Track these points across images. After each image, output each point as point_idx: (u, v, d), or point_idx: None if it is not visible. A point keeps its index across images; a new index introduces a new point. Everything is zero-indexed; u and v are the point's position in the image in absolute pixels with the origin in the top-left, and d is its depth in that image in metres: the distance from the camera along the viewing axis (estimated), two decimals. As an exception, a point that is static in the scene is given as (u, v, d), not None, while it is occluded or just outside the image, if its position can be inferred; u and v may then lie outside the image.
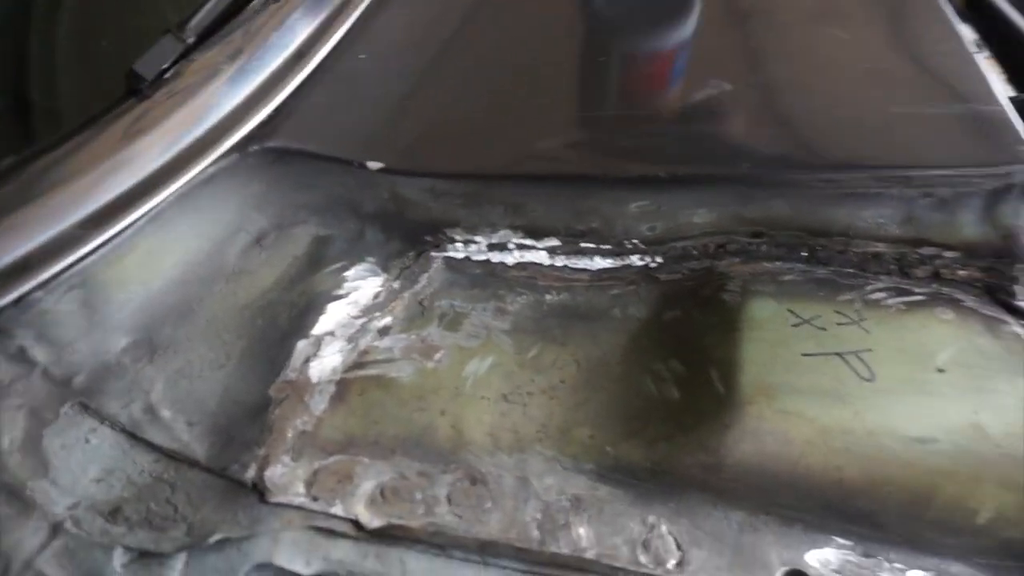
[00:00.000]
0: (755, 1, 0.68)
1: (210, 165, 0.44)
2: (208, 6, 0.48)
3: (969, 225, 0.49)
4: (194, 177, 0.44)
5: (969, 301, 0.50)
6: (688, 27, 0.63)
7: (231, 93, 0.48)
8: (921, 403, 0.45)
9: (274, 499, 0.38)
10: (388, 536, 0.38)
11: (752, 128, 0.52)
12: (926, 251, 0.50)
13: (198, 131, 0.45)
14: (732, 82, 0.55)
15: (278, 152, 0.48)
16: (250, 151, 0.47)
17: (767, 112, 0.53)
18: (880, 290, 0.50)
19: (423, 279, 0.51)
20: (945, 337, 0.47)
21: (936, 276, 0.50)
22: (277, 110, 0.49)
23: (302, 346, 0.45)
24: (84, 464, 0.38)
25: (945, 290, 0.50)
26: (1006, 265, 0.49)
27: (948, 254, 0.50)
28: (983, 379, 0.45)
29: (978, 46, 0.92)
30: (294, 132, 0.49)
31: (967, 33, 0.96)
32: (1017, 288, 0.50)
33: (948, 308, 0.49)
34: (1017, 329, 0.49)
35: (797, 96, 0.55)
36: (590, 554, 0.40)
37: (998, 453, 0.43)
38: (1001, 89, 0.84)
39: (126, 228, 0.40)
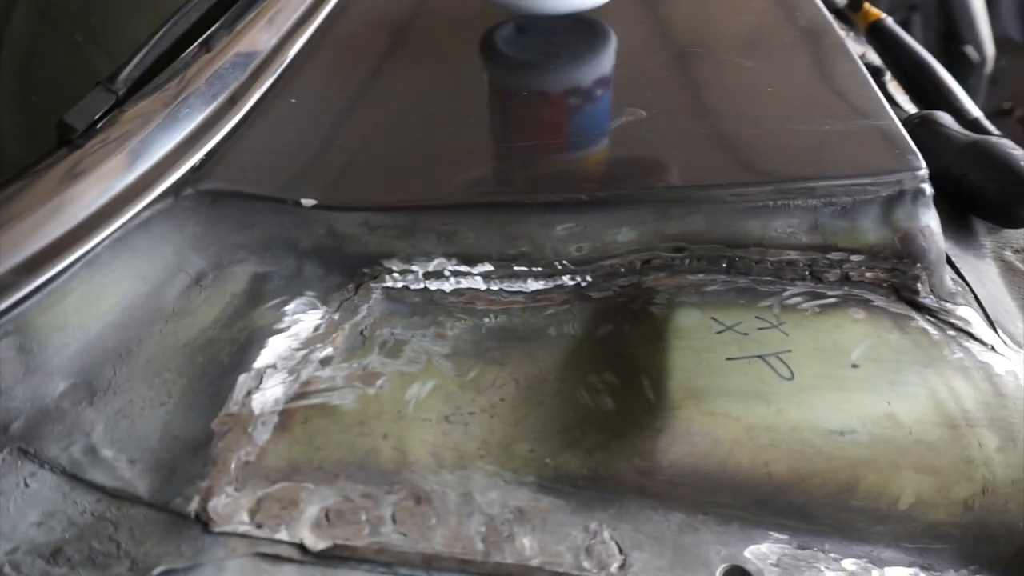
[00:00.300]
0: (668, 38, 0.73)
1: (144, 209, 0.46)
2: (138, 58, 0.50)
3: (870, 230, 0.53)
4: (129, 221, 0.45)
5: (878, 301, 0.53)
6: (600, 65, 0.67)
7: (163, 139, 0.49)
8: (838, 397, 0.47)
9: (218, 528, 0.38)
10: (334, 557, 0.39)
11: (666, 151, 0.55)
12: (835, 256, 0.53)
13: (131, 176, 0.46)
14: (647, 110, 0.58)
15: (213, 194, 0.49)
16: (185, 194, 0.48)
17: (679, 136, 0.57)
18: (796, 295, 0.53)
19: (363, 310, 0.52)
20: (858, 335, 0.51)
21: (846, 279, 0.54)
22: (210, 154, 0.51)
23: (243, 380, 0.45)
24: (23, 509, 0.38)
25: (855, 292, 0.54)
26: (907, 265, 0.53)
27: (855, 258, 0.53)
28: (894, 372, 0.49)
29: (880, 72, 0.99)
30: (228, 174, 0.51)
31: (872, 57, 1.03)
32: (919, 286, 0.53)
33: (859, 308, 0.52)
34: (922, 324, 0.52)
35: (706, 120, 0.59)
36: (534, 562, 0.41)
37: (912, 440, 0.46)
38: (906, 107, 0.91)
39: (61, 273, 0.41)
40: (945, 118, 0.73)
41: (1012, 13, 2.33)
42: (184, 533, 0.38)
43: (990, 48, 2.13)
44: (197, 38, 0.56)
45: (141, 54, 0.49)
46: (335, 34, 0.70)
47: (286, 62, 0.62)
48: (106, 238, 0.44)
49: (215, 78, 0.54)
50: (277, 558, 0.38)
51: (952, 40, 2.10)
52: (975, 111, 0.80)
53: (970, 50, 2.09)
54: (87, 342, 0.44)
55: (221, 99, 0.54)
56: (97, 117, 0.46)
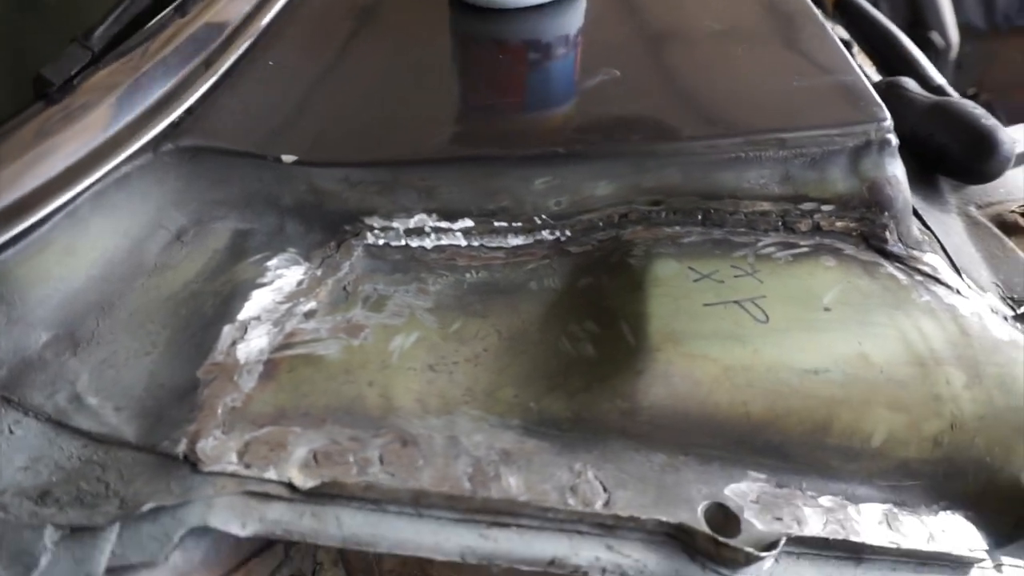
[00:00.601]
0: (642, 5, 0.74)
1: (123, 163, 0.46)
2: (112, 17, 0.50)
3: (839, 180, 0.55)
4: (107, 175, 0.45)
5: (848, 249, 0.55)
6: (574, 25, 0.69)
7: (140, 96, 0.49)
8: (812, 339, 0.49)
9: (206, 468, 0.38)
10: (323, 495, 0.39)
11: (641, 107, 0.57)
12: (806, 206, 0.55)
13: (109, 131, 0.46)
14: (621, 70, 0.59)
15: (192, 150, 0.49)
16: (163, 150, 0.48)
17: (654, 93, 0.58)
18: (770, 245, 0.55)
19: (345, 266, 0.53)
20: (829, 281, 0.52)
21: (817, 229, 0.56)
22: (188, 111, 0.51)
23: (228, 330, 0.46)
24: (9, 454, 0.38)
25: (826, 241, 0.55)
26: (875, 214, 0.55)
27: (825, 207, 0.55)
28: (864, 314, 0.50)
29: (849, 44, 1.02)
30: (207, 131, 0.51)
31: (840, 32, 1.06)
32: (887, 235, 0.55)
33: (830, 256, 0.54)
34: (891, 270, 0.54)
35: (680, 79, 0.60)
36: (521, 499, 0.42)
37: (883, 378, 0.48)
38: (873, 77, 0.93)
39: (40, 223, 0.41)
40: (910, 83, 0.76)
41: (975, 0, 2.39)
42: (173, 473, 0.38)
43: (955, 34, 2.18)
44: (170, 2, 0.55)
45: (116, 13, 0.49)
46: (309, 1, 0.70)
47: (261, 27, 0.62)
48: (85, 190, 0.44)
49: (191, 40, 0.54)
50: (266, 496, 0.39)
51: (918, 27, 2.14)
52: (938, 78, 0.83)
53: (935, 36, 2.14)
54: (69, 294, 0.44)
55: (197, 60, 0.54)
56: (74, 73, 0.46)
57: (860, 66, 0.94)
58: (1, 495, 0.37)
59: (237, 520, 0.37)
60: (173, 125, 0.50)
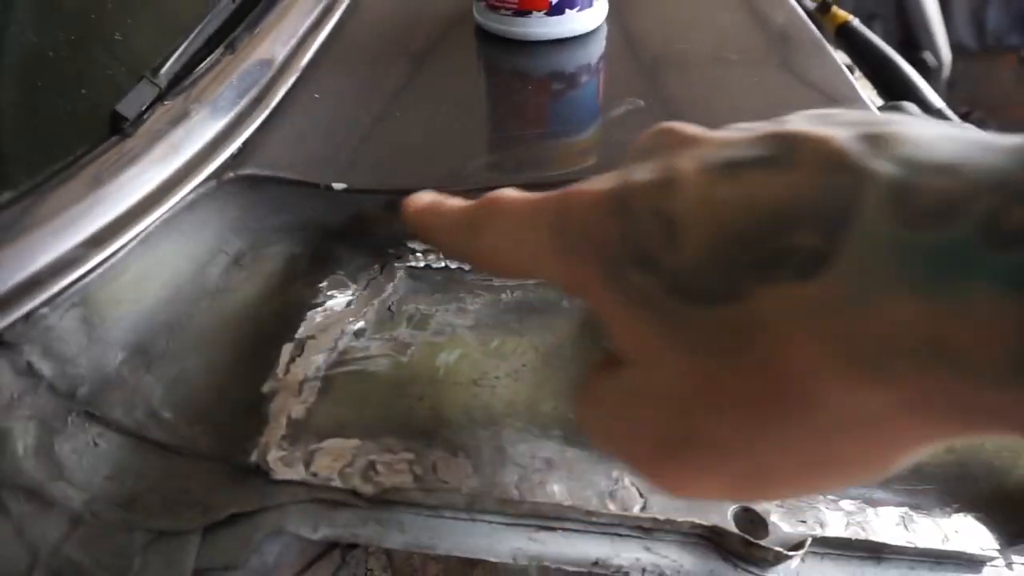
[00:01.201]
0: (656, 40, 0.78)
1: (190, 192, 0.49)
2: (176, 55, 0.53)
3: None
4: (177, 203, 0.48)
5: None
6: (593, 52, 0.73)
7: (203, 130, 0.52)
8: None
9: (278, 477, 0.41)
10: (385, 502, 0.42)
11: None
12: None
13: (177, 163, 0.50)
14: (643, 99, 0.63)
15: (251, 179, 0.53)
16: (225, 179, 0.52)
17: (675, 120, 0.62)
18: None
19: (389, 287, 0.56)
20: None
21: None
22: (245, 143, 0.55)
23: (287, 349, 0.49)
24: (95, 465, 0.41)
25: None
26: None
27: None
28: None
29: (851, 68, 1.06)
30: (263, 161, 0.54)
31: (841, 58, 1.10)
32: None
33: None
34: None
35: (699, 108, 0.64)
36: (566, 504, 0.45)
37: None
38: (875, 101, 0.97)
39: (120, 249, 0.44)
40: (912, 108, 0.80)
41: (965, 20, 2.44)
42: (248, 482, 0.41)
43: (947, 54, 2.23)
44: (222, 40, 0.59)
45: (179, 51, 0.53)
46: (348, 37, 0.74)
47: (304, 62, 0.66)
48: (157, 219, 0.47)
49: (243, 76, 0.58)
50: (334, 503, 0.41)
51: (911, 47, 2.20)
52: (938, 102, 0.87)
53: (928, 56, 2.19)
54: (141, 316, 0.47)
55: (251, 95, 0.58)
56: (144, 108, 0.49)
57: (861, 90, 0.98)
58: (92, 502, 0.39)
59: (309, 524, 0.40)
60: (233, 156, 0.53)
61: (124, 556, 0.37)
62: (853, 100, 0.64)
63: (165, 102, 0.52)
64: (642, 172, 0.31)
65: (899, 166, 0.24)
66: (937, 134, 0.25)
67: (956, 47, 2.25)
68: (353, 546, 0.48)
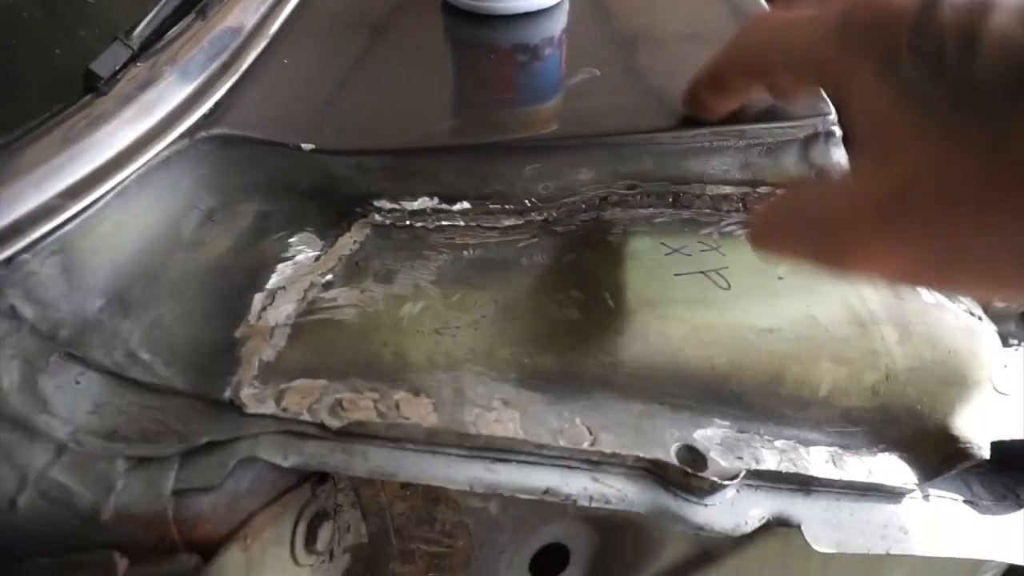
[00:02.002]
0: (617, 14, 0.81)
1: (164, 149, 0.51)
2: (147, 19, 0.55)
3: (792, 167, 0.62)
4: (151, 159, 0.50)
5: (799, 227, 0.63)
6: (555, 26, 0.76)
7: (175, 91, 0.55)
8: (767, 302, 0.56)
9: (250, 411, 0.45)
10: (350, 434, 0.46)
11: (619, 101, 0.64)
12: (763, 190, 0.62)
13: (150, 121, 0.52)
14: (600, 69, 0.67)
15: (222, 139, 0.55)
16: (198, 137, 0.54)
17: (631, 89, 0.65)
18: (732, 224, 0.62)
19: (356, 245, 0.59)
20: (783, 254, 0.60)
21: (773, 210, 0.63)
22: (217, 104, 0.57)
23: (258, 298, 0.52)
24: (77, 400, 0.44)
25: (781, 220, 0.63)
26: (823, 196, 0.62)
27: (780, 191, 0.62)
28: (812, 282, 0.58)
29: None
30: (235, 121, 0.57)
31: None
32: (833, 214, 0.63)
33: (784, 233, 0.62)
34: (836, 245, 0.62)
35: (652, 77, 0.67)
36: (520, 438, 0.49)
37: (827, 336, 0.55)
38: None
39: (97, 200, 0.47)
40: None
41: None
42: (222, 415, 0.44)
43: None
44: (194, 6, 0.61)
45: (151, 15, 0.55)
46: (315, 6, 0.76)
47: (273, 29, 0.68)
48: (132, 173, 0.49)
49: (213, 41, 0.60)
50: (302, 435, 0.45)
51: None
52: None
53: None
54: (118, 265, 0.49)
55: (221, 59, 0.60)
56: (118, 68, 0.51)
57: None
58: (75, 433, 0.42)
59: (280, 453, 0.44)
60: (205, 116, 0.56)
61: (107, 479, 0.40)
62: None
63: (138, 63, 0.54)
64: None
65: None
66: None
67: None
68: (323, 481, 0.51)
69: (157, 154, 0.51)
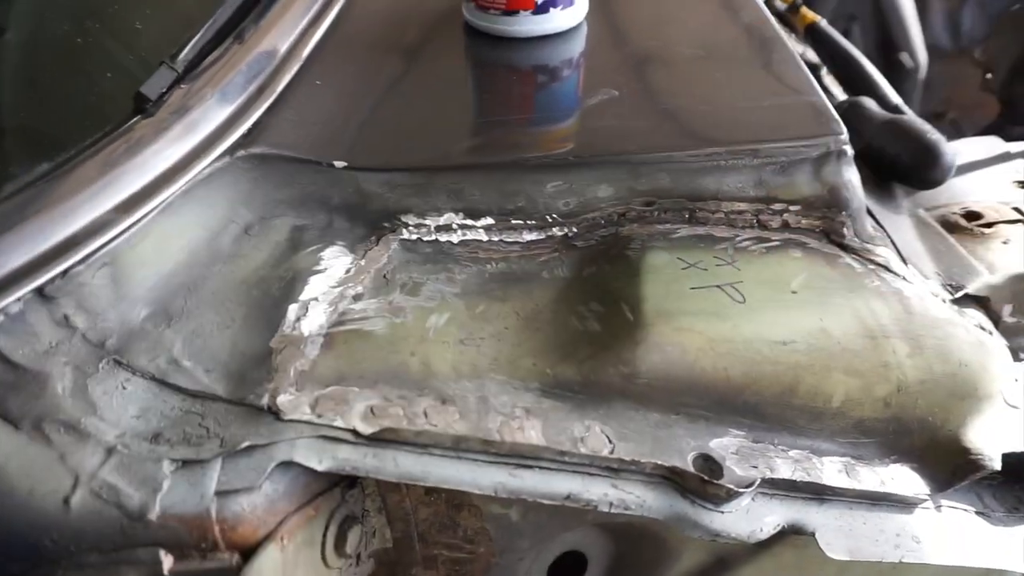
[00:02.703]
0: (632, 36, 0.84)
1: (207, 167, 0.54)
2: (191, 43, 0.58)
3: (804, 184, 0.64)
4: (195, 176, 0.53)
5: (812, 243, 0.64)
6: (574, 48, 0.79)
7: (216, 111, 0.58)
8: (781, 315, 0.58)
9: (287, 417, 0.47)
10: (381, 440, 0.48)
11: (636, 122, 0.66)
12: (776, 207, 0.64)
13: (194, 140, 0.55)
14: (618, 90, 0.69)
15: (260, 157, 0.58)
16: (238, 156, 0.57)
17: (647, 110, 0.68)
18: (746, 239, 0.64)
19: (384, 258, 0.62)
20: (796, 269, 0.61)
21: (786, 226, 0.65)
22: (255, 124, 0.60)
23: (293, 309, 0.54)
24: (124, 405, 0.46)
25: (794, 236, 0.65)
26: (834, 213, 0.64)
27: (792, 208, 0.64)
28: (825, 296, 0.60)
29: (818, 66, 1.12)
30: (272, 141, 0.59)
31: (810, 56, 1.16)
32: (845, 231, 0.65)
33: (797, 248, 0.63)
34: (848, 260, 0.63)
35: (669, 99, 0.70)
36: (542, 445, 0.51)
37: (840, 348, 0.57)
38: (840, 96, 1.03)
39: (146, 215, 0.50)
40: (869, 102, 0.86)
41: (941, 23, 2.51)
42: (261, 420, 0.47)
43: (923, 55, 2.30)
44: (232, 31, 0.65)
45: (195, 39, 0.58)
46: (345, 31, 0.79)
47: (306, 53, 0.71)
48: (178, 189, 0.52)
49: (251, 64, 0.63)
50: (336, 440, 0.47)
51: (888, 48, 2.26)
52: (895, 97, 0.93)
53: (905, 57, 2.26)
54: (162, 277, 0.52)
55: (258, 82, 0.63)
56: (164, 90, 0.54)
57: (827, 86, 1.05)
58: (123, 436, 0.45)
59: (315, 457, 0.46)
60: (244, 136, 0.58)
61: (154, 480, 0.43)
62: (808, 92, 0.69)
63: (182, 86, 0.57)
64: None
65: None
66: None
67: (932, 49, 2.31)
68: (352, 486, 0.54)
69: (200, 171, 0.54)
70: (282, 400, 0.48)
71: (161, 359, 0.49)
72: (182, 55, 0.57)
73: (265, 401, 0.47)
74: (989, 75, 2.09)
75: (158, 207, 0.51)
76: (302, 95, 0.66)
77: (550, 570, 0.64)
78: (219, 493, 0.43)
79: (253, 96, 0.62)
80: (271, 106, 0.63)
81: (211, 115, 0.57)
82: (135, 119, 0.53)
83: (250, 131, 0.60)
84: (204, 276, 0.54)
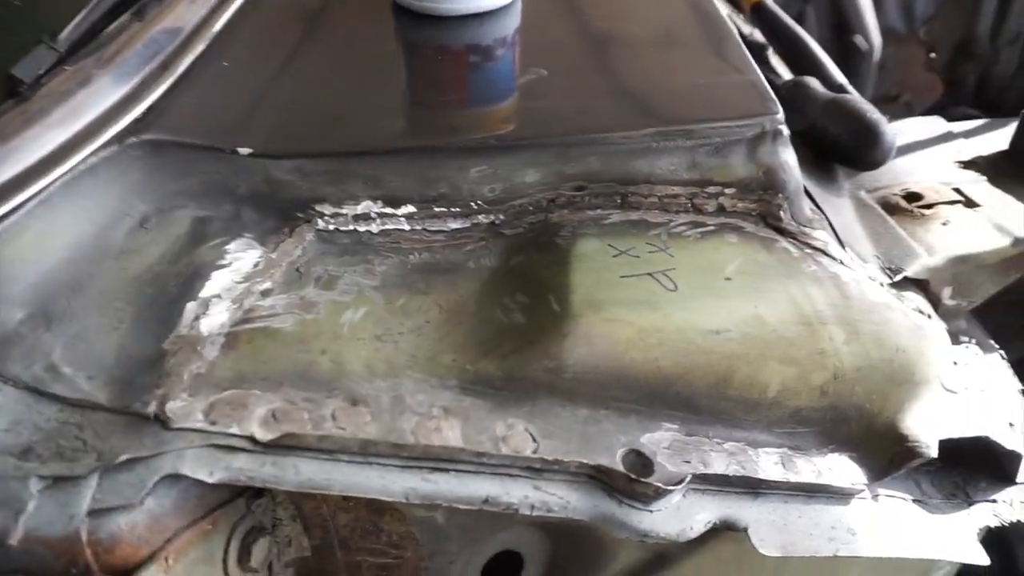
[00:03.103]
0: (567, 13, 0.81)
1: (91, 155, 0.50)
2: (76, 21, 0.54)
3: (739, 166, 0.62)
4: (77, 165, 0.49)
5: (748, 227, 0.62)
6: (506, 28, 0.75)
7: (105, 94, 0.53)
8: (715, 304, 0.56)
9: (175, 426, 0.43)
10: (281, 447, 0.44)
11: (565, 102, 0.63)
12: (711, 190, 0.62)
13: (77, 126, 0.50)
14: (549, 69, 0.66)
15: (154, 144, 0.54)
16: (128, 143, 0.52)
17: (576, 90, 0.65)
18: (680, 224, 0.61)
19: (298, 250, 0.58)
20: (731, 254, 0.59)
21: (722, 209, 0.63)
22: (150, 108, 0.56)
23: (191, 307, 0.50)
24: (-8, 418, 0.42)
25: (730, 220, 0.62)
26: (771, 195, 0.62)
27: (728, 191, 0.62)
28: (760, 282, 0.57)
29: (764, 46, 1.10)
30: (168, 126, 0.55)
31: (758, 36, 1.14)
32: (782, 214, 0.63)
33: (733, 233, 0.61)
34: (785, 244, 0.61)
35: (599, 78, 0.67)
36: (458, 447, 0.48)
37: (775, 336, 0.55)
38: (785, 75, 1.01)
39: (17, 208, 0.45)
40: (813, 82, 0.84)
41: (895, 5, 2.52)
42: (144, 431, 0.43)
43: (877, 38, 2.31)
44: (128, 7, 0.60)
45: (80, 16, 0.53)
46: (261, 7, 0.75)
47: (214, 32, 0.67)
48: (57, 179, 0.48)
49: (150, 43, 0.59)
50: (230, 448, 0.43)
51: (842, 30, 2.26)
52: (840, 77, 0.92)
53: (859, 39, 2.26)
54: (41, 275, 0.48)
55: (156, 61, 0.58)
56: (42, 72, 0.50)
57: (773, 67, 1.03)
58: (-13, 453, 0.41)
59: (205, 468, 0.42)
60: (136, 121, 0.54)
61: (18, 500, 0.39)
62: (745, 71, 0.67)
63: (66, 67, 0.53)
64: None
65: None
66: None
67: (886, 31, 2.32)
68: (259, 495, 0.50)
69: (83, 160, 0.50)
70: (171, 407, 0.44)
71: (37, 366, 0.45)
72: (65, 33, 0.52)
73: (152, 409, 0.44)
74: (933, 55, 2.10)
75: (33, 199, 0.47)
76: (206, 76, 0.62)
77: (486, 570, 0.61)
78: (93, 512, 0.39)
79: (149, 78, 0.57)
80: (170, 89, 0.58)
81: (98, 98, 0.53)
82: (6, 103, 0.48)
83: (144, 116, 0.55)
84: (91, 274, 0.49)
